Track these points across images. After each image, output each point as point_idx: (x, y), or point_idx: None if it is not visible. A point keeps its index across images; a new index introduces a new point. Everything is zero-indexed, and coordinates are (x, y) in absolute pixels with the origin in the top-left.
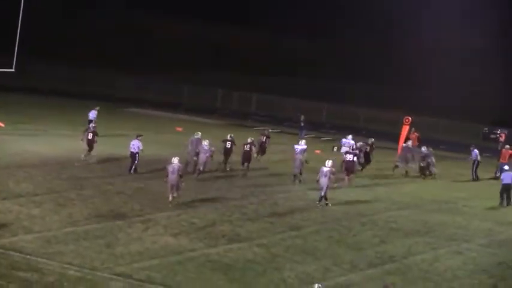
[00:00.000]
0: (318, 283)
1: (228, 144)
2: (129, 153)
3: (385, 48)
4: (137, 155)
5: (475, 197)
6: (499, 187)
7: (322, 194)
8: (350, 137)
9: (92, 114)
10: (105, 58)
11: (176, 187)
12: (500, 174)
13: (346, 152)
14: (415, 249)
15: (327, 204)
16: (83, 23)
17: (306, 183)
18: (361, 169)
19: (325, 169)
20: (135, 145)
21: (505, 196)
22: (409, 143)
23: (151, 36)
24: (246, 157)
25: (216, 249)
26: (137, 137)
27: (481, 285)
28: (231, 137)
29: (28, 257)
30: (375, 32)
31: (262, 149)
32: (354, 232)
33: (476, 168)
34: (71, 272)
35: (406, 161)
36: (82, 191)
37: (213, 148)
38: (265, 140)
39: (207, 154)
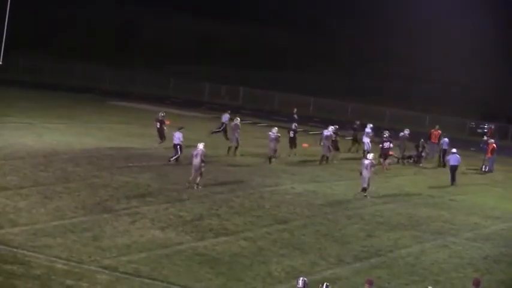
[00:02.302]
0: (303, 277)
1: (292, 133)
2: (172, 144)
3: (373, 41)
4: (179, 146)
5: (461, 191)
6: (486, 180)
7: (365, 185)
8: (371, 126)
9: (225, 118)
10: (91, 51)
11: (198, 171)
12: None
13: (383, 141)
14: (401, 243)
15: (365, 196)
16: (70, 15)
17: (296, 175)
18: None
19: (366, 161)
20: (177, 136)
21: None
22: (406, 131)
23: (139, 28)
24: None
25: (203, 243)
26: (179, 129)
27: (466, 279)
28: (295, 126)
29: (15, 250)
30: (364, 25)
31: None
32: (340, 226)
33: (443, 155)
34: (58, 265)
35: (403, 149)
36: (69, 184)
37: (278, 135)
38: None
39: (273, 142)
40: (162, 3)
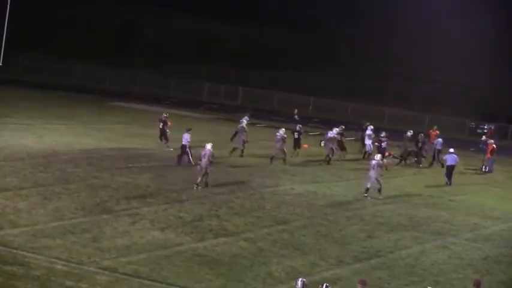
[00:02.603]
0: (302, 278)
1: (296, 135)
2: (181, 145)
3: (373, 41)
4: (187, 148)
5: (461, 192)
6: (486, 181)
7: (368, 186)
8: (371, 127)
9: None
10: (91, 51)
11: (205, 170)
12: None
13: (380, 140)
14: (401, 243)
15: (365, 196)
16: (70, 15)
17: (296, 176)
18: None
19: (373, 162)
20: (185, 138)
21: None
22: (409, 133)
23: (139, 28)
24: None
25: (203, 244)
26: (187, 130)
27: (466, 280)
28: (299, 127)
29: (15, 251)
30: (364, 25)
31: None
32: (340, 227)
33: (438, 155)
34: (58, 266)
35: (405, 148)
36: (68, 184)
37: (285, 136)
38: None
39: (280, 142)
40: (162, 3)
